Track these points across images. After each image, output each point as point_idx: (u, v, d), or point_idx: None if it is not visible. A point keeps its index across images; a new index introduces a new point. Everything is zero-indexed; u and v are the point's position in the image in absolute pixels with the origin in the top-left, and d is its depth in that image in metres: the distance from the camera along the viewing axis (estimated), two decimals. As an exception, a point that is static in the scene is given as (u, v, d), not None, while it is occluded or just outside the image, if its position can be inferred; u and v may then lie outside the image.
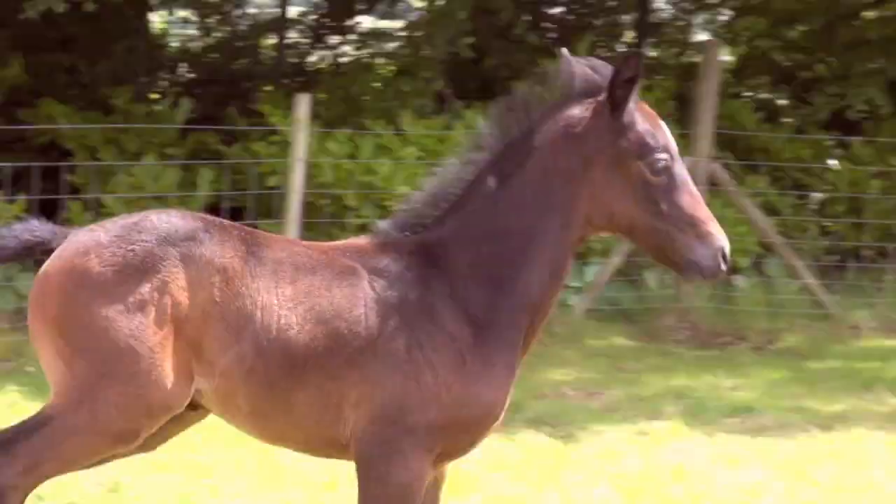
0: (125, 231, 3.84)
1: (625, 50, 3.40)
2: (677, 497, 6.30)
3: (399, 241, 4.03)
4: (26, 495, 3.90)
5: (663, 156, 3.99)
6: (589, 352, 9.84)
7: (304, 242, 4.25)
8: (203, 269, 3.82)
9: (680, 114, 11.81)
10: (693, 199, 4.02)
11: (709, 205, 11.37)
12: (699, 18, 14.56)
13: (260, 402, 3.88)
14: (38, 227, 4.00)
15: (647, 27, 14.07)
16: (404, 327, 3.86)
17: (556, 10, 13.88)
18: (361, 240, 4.14)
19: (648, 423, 7.64)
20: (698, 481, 6.51)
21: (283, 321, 3.83)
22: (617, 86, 3.95)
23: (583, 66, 4.07)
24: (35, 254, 4.01)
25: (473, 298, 3.92)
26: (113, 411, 3.78)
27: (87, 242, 3.83)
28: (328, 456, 4.16)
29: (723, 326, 10.79)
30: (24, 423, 3.90)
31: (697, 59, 12.30)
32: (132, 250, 3.79)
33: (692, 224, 3.99)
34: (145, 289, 3.78)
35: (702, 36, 14.31)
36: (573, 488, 6.30)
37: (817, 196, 12.64)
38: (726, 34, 13.98)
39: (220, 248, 3.85)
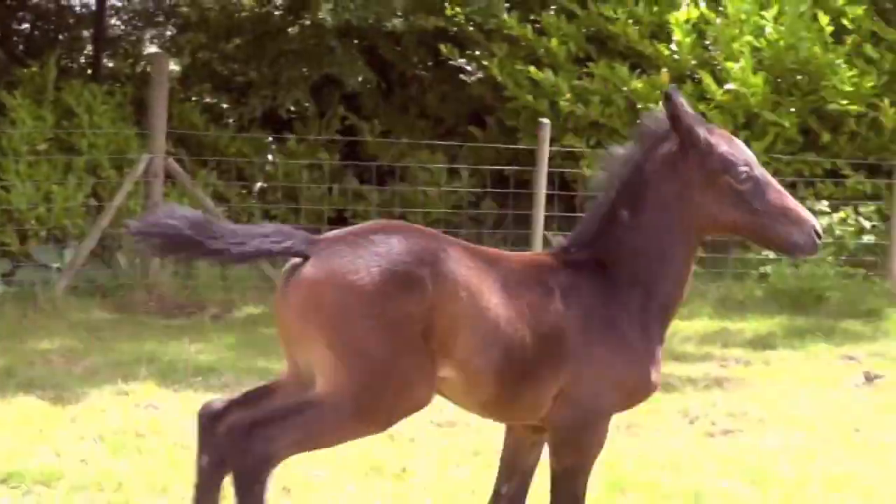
0: (385, 251, 4.28)
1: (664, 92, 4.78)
2: (153, 447, 6.68)
3: (573, 259, 4.71)
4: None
5: (744, 168, 4.65)
6: (71, 324, 10.49)
7: (509, 257, 4.76)
8: (452, 284, 4.32)
9: (138, 117, 13.06)
10: (779, 194, 4.72)
11: (167, 195, 12.64)
12: (149, 33, 15.61)
13: (497, 395, 4.49)
14: (291, 235, 4.35)
15: (104, 41, 14.97)
16: (595, 333, 4.56)
17: (24, 26, 14.59)
18: (547, 257, 4.78)
19: (126, 385, 8.02)
20: (171, 432, 6.92)
21: (519, 333, 4.43)
22: (674, 126, 4.66)
23: (661, 112, 4.74)
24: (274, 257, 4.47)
25: (631, 303, 4.63)
26: (379, 407, 4.31)
27: (356, 262, 4.25)
28: (507, 422, 4.89)
29: (186, 298, 11.84)
30: (293, 404, 4.33)
31: (149, 69, 13.33)
32: (396, 271, 4.25)
33: (784, 213, 4.68)
34: (408, 304, 4.24)
35: (152, 49, 15.38)
36: (63, 442, 6.69)
37: (259, 186, 14.21)
38: (172, 47, 15.22)
39: (460, 265, 4.37)
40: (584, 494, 4.66)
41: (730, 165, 4.64)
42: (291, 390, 4.47)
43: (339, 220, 13.79)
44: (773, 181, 4.75)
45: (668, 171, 4.69)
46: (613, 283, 4.64)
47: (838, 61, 13.58)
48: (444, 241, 4.46)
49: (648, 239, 4.68)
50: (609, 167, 4.83)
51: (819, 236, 4.72)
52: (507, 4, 14.18)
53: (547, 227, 13.08)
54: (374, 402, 4.26)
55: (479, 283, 4.39)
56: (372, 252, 4.27)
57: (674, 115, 4.62)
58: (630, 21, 13.99)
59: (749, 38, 13.69)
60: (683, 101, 4.66)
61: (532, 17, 14.43)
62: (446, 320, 4.30)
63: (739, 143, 4.77)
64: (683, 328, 11.21)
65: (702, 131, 4.66)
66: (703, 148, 4.65)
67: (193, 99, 14.79)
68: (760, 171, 4.72)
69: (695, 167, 4.66)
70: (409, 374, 4.27)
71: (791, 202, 4.71)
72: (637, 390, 4.64)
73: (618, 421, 7.45)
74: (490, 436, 7.15)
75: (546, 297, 4.52)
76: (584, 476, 4.65)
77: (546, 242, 13.10)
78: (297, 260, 4.35)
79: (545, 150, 12.87)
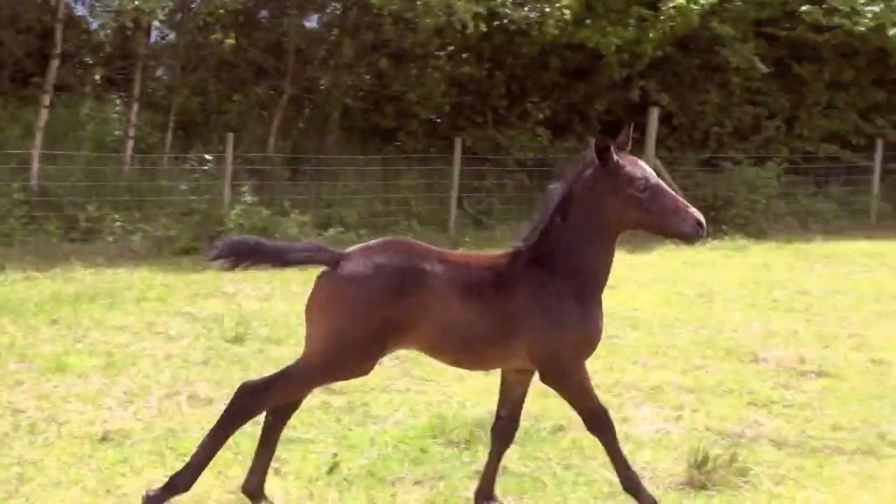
0: (383, 270, 5.86)
1: (597, 136, 6.28)
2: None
3: (523, 257, 6.12)
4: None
5: (642, 181, 6.06)
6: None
7: (472, 260, 6.20)
8: (427, 294, 5.86)
9: None
10: (671, 197, 6.11)
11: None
12: None
13: (458, 360, 6.13)
14: (322, 250, 5.98)
15: None
16: (540, 309, 5.98)
17: None
18: (503, 258, 6.18)
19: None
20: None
21: (475, 322, 5.93)
22: (598, 154, 6.03)
23: (590, 145, 6.07)
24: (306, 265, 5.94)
25: (568, 284, 6.05)
26: (342, 367, 5.91)
27: (361, 271, 5.86)
28: (479, 371, 6.87)
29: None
30: (284, 369, 5.96)
31: None
32: (385, 282, 5.82)
33: (674, 212, 6.08)
34: (387, 310, 5.80)
35: None
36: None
37: None
38: None
39: (432, 279, 5.90)
40: (594, 404, 6.21)
41: (633, 180, 6.11)
42: None
43: None
44: (667, 188, 6.19)
45: (590, 187, 6.15)
46: (553, 272, 6.10)
47: None
48: (429, 257, 6.04)
49: (577, 237, 6.14)
50: (556, 184, 6.29)
51: (702, 226, 6.13)
52: None
53: None
54: (335, 370, 5.96)
55: (448, 291, 5.95)
56: (372, 271, 5.91)
57: (600, 148, 6.10)
58: None
59: None
60: (608, 138, 6.18)
61: None
62: (414, 320, 5.89)
63: (642, 163, 6.23)
64: None
65: (614, 157, 6.13)
66: (614, 169, 6.12)
67: None
68: (656, 182, 6.15)
69: (608, 183, 6.12)
70: (365, 356, 5.91)
71: (680, 203, 6.16)
72: (581, 345, 6.15)
73: None
74: None
75: (499, 291, 6.05)
76: (587, 398, 6.20)
77: None
78: (325, 268, 5.99)
79: None
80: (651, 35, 22.72)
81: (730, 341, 11.38)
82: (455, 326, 5.95)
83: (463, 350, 6.04)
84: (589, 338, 6.15)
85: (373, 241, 6.18)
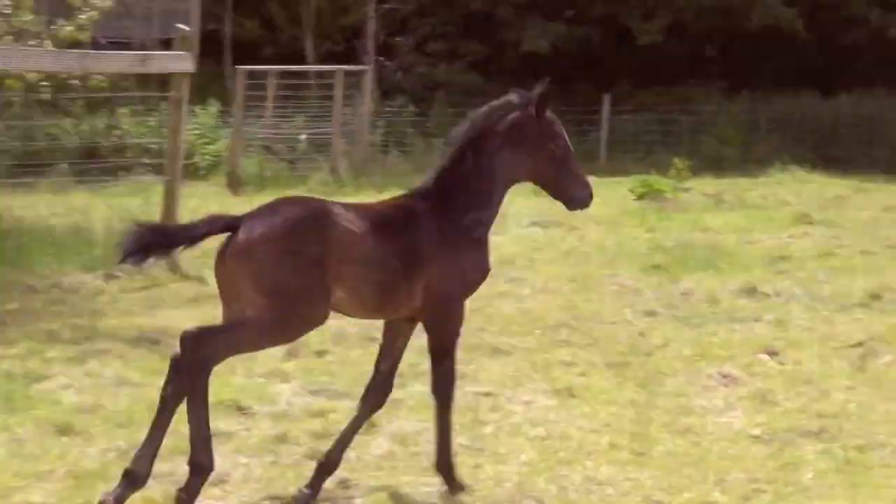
0: (289, 215, 5.65)
1: (543, 82, 6.19)
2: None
3: (421, 192, 6.13)
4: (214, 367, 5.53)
5: (562, 140, 6.23)
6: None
7: (377, 205, 6.18)
8: (336, 237, 5.65)
9: None
10: (574, 163, 6.32)
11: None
12: None
13: (381, 303, 5.90)
14: (219, 218, 5.68)
15: None
16: (436, 244, 5.98)
17: None
18: (406, 199, 6.17)
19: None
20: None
21: (382, 258, 5.80)
22: (540, 102, 6.10)
23: (516, 92, 6.23)
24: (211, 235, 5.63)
25: (466, 223, 6.08)
26: (288, 322, 5.63)
27: (269, 226, 5.59)
28: (389, 318, 6.18)
29: None
30: (229, 322, 5.62)
31: None
32: (298, 226, 5.62)
33: (575, 176, 6.29)
34: (307, 248, 5.58)
35: None
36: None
37: None
38: None
39: (342, 221, 5.73)
40: (454, 362, 6.14)
41: (555, 136, 6.25)
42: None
43: None
44: (572, 153, 6.35)
45: (513, 131, 6.19)
46: (454, 210, 6.10)
47: None
48: (330, 204, 5.89)
49: (483, 179, 6.18)
50: (471, 121, 6.28)
51: (592, 197, 6.38)
52: None
53: None
54: (284, 320, 5.63)
55: (357, 230, 5.80)
56: (279, 218, 5.68)
57: (542, 96, 6.18)
58: None
59: None
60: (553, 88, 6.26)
61: None
62: (336, 258, 5.69)
63: (561, 124, 6.31)
64: None
65: (548, 112, 6.24)
66: (545, 122, 6.22)
67: None
68: (567, 145, 6.31)
69: (533, 133, 6.19)
70: (309, 299, 5.67)
71: (580, 170, 6.38)
72: (476, 279, 6.20)
73: None
74: None
75: (405, 230, 5.99)
76: (452, 348, 6.14)
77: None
78: (226, 235, 5.68)
79: None
80: None
81: None
82: (372, 261, 5.84)
83: (382, 288, 5.89)
84: (478, 274, 6.23)
85: (264, 203, 6.00)
